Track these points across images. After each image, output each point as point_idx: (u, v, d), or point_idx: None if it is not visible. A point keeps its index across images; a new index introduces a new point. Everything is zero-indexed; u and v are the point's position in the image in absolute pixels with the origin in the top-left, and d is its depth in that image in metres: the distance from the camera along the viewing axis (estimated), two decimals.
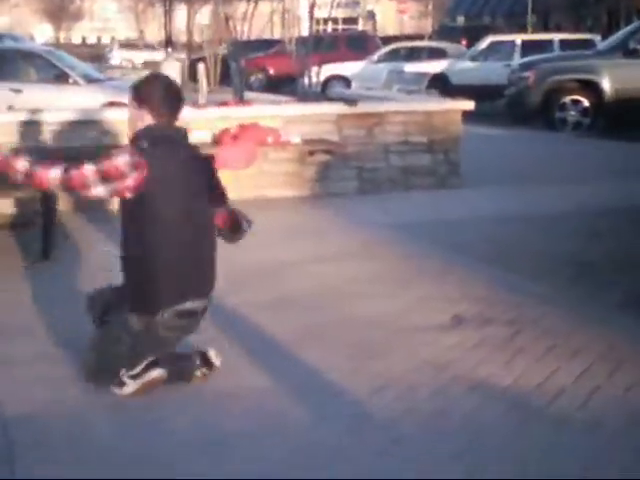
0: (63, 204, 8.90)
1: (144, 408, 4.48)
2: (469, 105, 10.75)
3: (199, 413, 4.44)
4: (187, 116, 9.96)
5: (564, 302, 6.20)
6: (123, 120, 9.51)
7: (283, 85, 26.45)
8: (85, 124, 9.53)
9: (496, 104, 20.06)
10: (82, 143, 9.34)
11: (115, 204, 8.14)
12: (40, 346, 5.34)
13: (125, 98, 5.18)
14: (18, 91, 14.76)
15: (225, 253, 6.79)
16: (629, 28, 19.39)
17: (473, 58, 24.31)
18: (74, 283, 6.70)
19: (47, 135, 9.34)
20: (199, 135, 9.78)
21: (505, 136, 16.58)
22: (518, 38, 25.03)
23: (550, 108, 17.31)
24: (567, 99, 17.23)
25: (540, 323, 5.71)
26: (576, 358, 5.10)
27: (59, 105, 12.74)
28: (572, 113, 17.25)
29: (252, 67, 30.19)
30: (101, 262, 7.25)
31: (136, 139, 4.62)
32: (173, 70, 27.23)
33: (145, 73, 5.93)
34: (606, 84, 16.94)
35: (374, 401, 4.55)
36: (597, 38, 23.77)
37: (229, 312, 5.92)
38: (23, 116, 9.56)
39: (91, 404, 4.53)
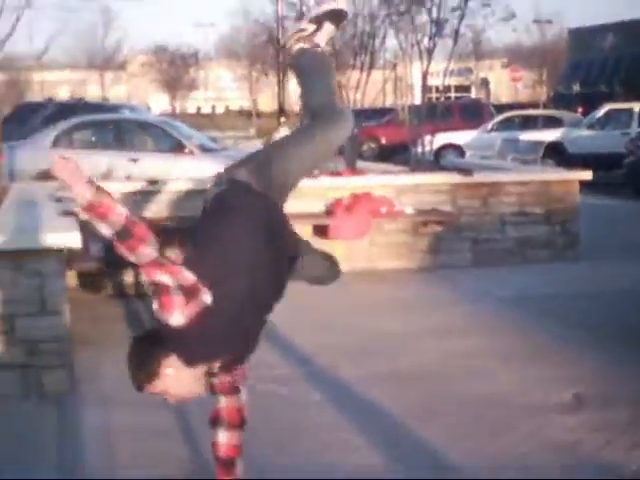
0: None
1: None
2: (587, 175, 10.52)
3: None
4: (299, 185, 10.04)
5: None
6: None
7: (396, 154, 26.44)
8: (200, 193, 9.58)
9: (614, 173, 19.70)
10: (196, 213, 9.40)
11: None
12: None
13: None
14: (135, 160, 15.03)
15: (339, 322, 6.69)
16: None
17: (590, 126, 23.96)
18: None
19: (163, 205, 9.42)
20: (311, 205, 9.79)
21: (624, 207, 16.20)
22: (636, 106, 24.61)
23: None
24: None
25: None
26: None
27: (175, 174, 12.91)
28: None
29: (364, 136, 30.35)
30: None
31: None
32: None
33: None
34: None
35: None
36: None
37: (345, 385, 5.82)
38: (140, 185, 9.69)
39: None
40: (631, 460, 4.64)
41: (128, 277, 8.79)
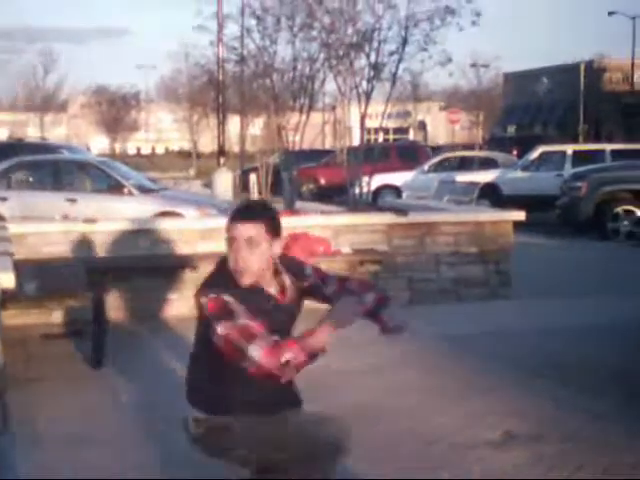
0: (114, 313, 8.95)
1: None
2: (520, 215, 10.71)
3: None
4: None
5: (618, 418, 6.04)
6: (174, 229, 9.71)
7: (334, 195, 26.67)
8: (138, 233, 9.61)
9: (548, 214, 20.03)
10: (134, 253, 9.42)
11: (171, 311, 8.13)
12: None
13: (178, 207, 5.06)
14: (73, 201, 15.00)
15: None
16: None
17: (524, 168, 24.35)
18: (123, 392, 6.68)
19: (101, 245, 9.42)
20: None
21: (557, 246, 16.48)
22: (569, 148, 25.07)
23: (603, 218, 17.26)
24: (620, 209, 17.19)
25: (595, 440, 5.56)
26: (635, 476, 4.95)
27: (113, 215, 12.92)
28: (625, 223, 17.19)
29: (303, 177, 30.48)
30: (152, 372, 7.26)
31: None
32: (226, 180, 27.65)
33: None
34: None
35: None
36: None
37: None
38: (77, 226, 9.68)
39: None
40: None
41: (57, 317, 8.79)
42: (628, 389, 6.72)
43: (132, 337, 8.62)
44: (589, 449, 5.39)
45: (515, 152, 32.02)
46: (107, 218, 11.09)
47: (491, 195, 22.62)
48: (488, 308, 9.84)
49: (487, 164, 26.91)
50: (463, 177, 24.23)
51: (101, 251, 9.41)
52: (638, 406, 6.32)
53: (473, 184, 23.39)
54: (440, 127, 73.53)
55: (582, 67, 52.90)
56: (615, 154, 23.14)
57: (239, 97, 34.62)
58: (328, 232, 10.05)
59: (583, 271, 12.69)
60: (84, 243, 9.38)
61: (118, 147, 71.75)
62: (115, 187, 15.67)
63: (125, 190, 15.65)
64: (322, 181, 31.67)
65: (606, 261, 14.04)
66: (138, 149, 78.87)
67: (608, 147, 24.81)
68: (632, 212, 17.15)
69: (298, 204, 21.28)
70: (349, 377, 7.04)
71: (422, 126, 74.49)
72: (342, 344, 8.18)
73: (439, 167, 27.49)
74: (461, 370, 7.33)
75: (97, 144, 71.81)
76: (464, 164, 27.69)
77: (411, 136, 68.83)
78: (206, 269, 9.44)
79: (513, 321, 9.21)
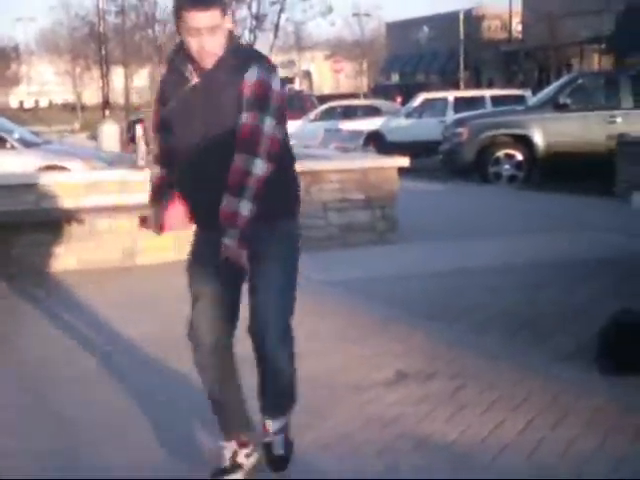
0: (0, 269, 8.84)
1: None
2: (404, 162, 10.86)
3: None
4: (125, 177, 10.03)
5: (505, 355, 6.24)
6: (60, 183, 9.60)
7: None
8: (22, 188, 9.46)
9: (432, 160, 20.34)
10: (19, 207, 9.29)
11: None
12: None
13: (63, 161, 5.03)
14: None
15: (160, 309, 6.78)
16: (559, 83, 19.85)
17: (407, 115, 24.64)
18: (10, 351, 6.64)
19: None
20: (138, 197, 9.79)
21: (441, 191, 16.77)
22: (450, 95, 25.44)
23: (484, 162, 17.60)
24: (501, 153, 17.55)
25: (483, 376, 5.73)
26: (519, 411, 5.13)
27: None
28: (506, 167, 17.56)
29: None
30: (38, 329, 7.23)
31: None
32: (112, 132, 27.28)
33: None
34: (537, 138, 17.29)
35: (321, 460, 4.54)
36: (528, 93, 24.22)
37: (171, 375, 5.89)
38: None
39: None
40: (450, 429, 4.89)
41: None
42: (514, 326, 6.93)
43: (20, 294, 8.53)
44: (477, 386, 5.56)
45: (399, 100, 32.31)
46: None
47: (376, 142, 22.85)
48: (376, 253, 9.98)
49: (371, 112, 27.12)
50: (348, 125, 24.40)
51: None
52: (522, 342, 6.52)
53: (358, 132, 23.58)
54: (325, 76, 73.56)
55: (461, 16, 53.35)
56: (495, 100, 23.61)
57: (122, 49, 34.12)
58: None
59: (468, 215, 12.93)
60: None
61: None
62: None
63: (7, 144, 15.35)
64: None
65: (490, 204, 14.34)
66: (21, 102, 77.06)
67: (488, 93, 25.30)
68: (513, 156, 17.51)
69: None
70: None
71: (307, 75, 74.41)
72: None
73: (325, 116, 27.59)
74: (352, 314, 7.44)
75: None
76: (349, 112, 27.86)
77: (297, 86, 68.74)
78: (92, 222, 9.44)
79: (401, 265, 9.36)
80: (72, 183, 9.80)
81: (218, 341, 4.14)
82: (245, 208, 3.82)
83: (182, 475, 4.41)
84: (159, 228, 4.21)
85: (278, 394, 4.25)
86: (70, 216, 9.37)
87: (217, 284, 4.05)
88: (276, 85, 3.90)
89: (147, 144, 21.30)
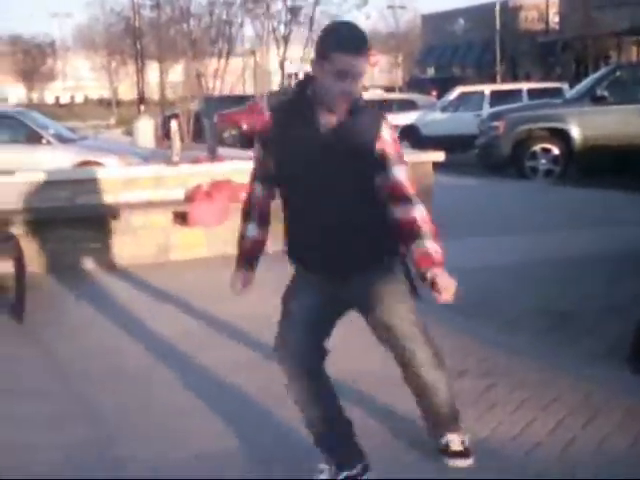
0: (36, 266, 8.92)
1: None
2: (440, 156, 10.83)
3: None
4: (160, 173, 10.09)
5: (538, 353, 6.22)
6: (96, 179, 9.66)
7: None
8: (57, 184, 9.54)
9: (467, 154, 20.26)
10: (54, 204, 9.36)
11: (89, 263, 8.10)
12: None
13: (98, 156, 5.02)
14: None
15: (202, 308, 6.80)
16: (596, 75, 19.65)
17: (443, 109, 24.58)
18: (46, 345, 6.70)
19: (19, 196, 9.33)
20: (172, 192, 9.86)
21: (477, 186, 16.70)
22: (487, 88, 25.33)
23: (520, 157, 17.47)
24: (537, 147, 17.41)
25: (514, 375, 5.72)
26: (550, 410, 5.11)
27: (32, 166, 12.78)
28: (543, 161, 17.43)
29: (226, 123, 30.36)
30: (75, 323, 7.28)
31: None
32: (147, 128, 27.43)
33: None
34: (575, 132, 17.13)
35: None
36: (565, 86, 24.07)
37: (208, 369, 5.92)
38: None
39: None
40: (480, 428, 4.87)
41: None
42: (548, 324, 6.90)
43: (56, 289, 8.60)
44: (508, 384, 5.54)
45: (434, 93, 32.22)
46: (26, 169, 10.98)
47: (411, 137, 22.79)
48: None
49: (407, 106, 27.05)
50: None
51: (21, 203, 9.33)
52: (553, 340, 6.50)
53: (393, 126, 23.53)
54: None
55: (498, 6, 53.08)
56: (532, 93, 23.46)
57: (157, 43, 34.25)
58: None
59: (504, 210, 12.89)
60: (4, 194, 9.29)
61: (35, 97, 70.60)
62: (33, 137, 15.49)
63: (43, 140, 15.47)
64: (245, 126, 31.53)
65: (526, 199, 14.27)
66: (57, 98, 77.63)
67: (525, 86, 25.15)
68: (549, 150, 17.39)
69: (220, 150, 21.22)
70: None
71: None
72: (272, 291, 8.29)
73: None
74: None
75: (14, 94, 70.52)
76: (384, 106, 27.80)
77: None
78: (128, 218, 9.52)
79: None
80: (107, 179, 9.86)
81: (310, 361, 4.14)
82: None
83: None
84: (243, 288, 4.27)
85: (446, 409, 4.44)
86: (105, 212, 9.43)
87: (317, 315, 4.12)
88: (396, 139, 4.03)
89: (182, 139, 21.41)
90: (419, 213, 3.89)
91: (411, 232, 3.88)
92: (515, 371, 5.80)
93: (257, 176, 4.11)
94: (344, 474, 4.12)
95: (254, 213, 4.21)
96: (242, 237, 4.27)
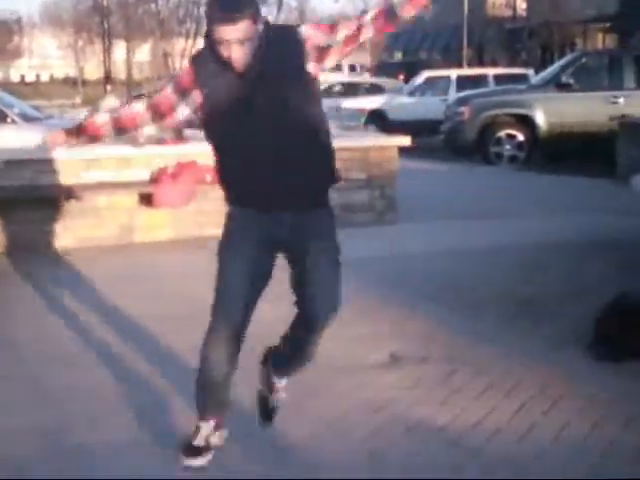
0: None
1: None
2: (405, 141, 10.82)
3: None
4: (125, 154, 10.02)
5: (500, 339, 6.24)
6: (59, 159, 9.57)
7: None
8: (19, 163, 9.44)
9: (433, 139, 20.29)
10: (16, 183, 9.27)
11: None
12: None
13: None
14: None
15: (168, 291, 6.79)
16: (561, 62, 19.73)
17: (410, 93, 24.57)
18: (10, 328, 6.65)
19: None
20: (137, 173, 9.80)
21: (442, 170, 16.75)
22: (453, 73, 25.36)
23: (486, 142, 17.53)
24: (502, 133, 17.47)
25: (477, 361, 5.74)
26: (512, 396, 5.14)
27: None
28: (507, 147, 17.50)
29: None
30: (32, 306, 7.23)
31: None
32: (114, 107, 27.18)
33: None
34: (539, 118, 17.21)
35: (311, 443, 4.54)
36: (531, 72, 24.14)
37: (172, 354, 5.90)
38: None
39: None
40: (442, 413, 4.90)
41: None
42: (511, 310, 6.93)
43: (13, 271, 8.53)
44: (470, 370, 5.57)
45: (402, 77, 32.21)
46: None
47: (378, 121, 22.78)
48: (375, 233, 9.97)
49: (374, 90, 27.04)
50: (350, 103, 24.31)
51: None
52: (518, 326, 6.52)
53: (360, 110, 23.51)
54: None
55: None
56: (498, 79, 23.52)
57: (124, 23, 34.04)
58: None
59: (467, 195, 12.91)
60: None
61: (0, 75, 69.90)
62: None
63: (8, 119, 15.31)
64: None
65: (491, 185, 14.32)
66: (22, 76, 76.90)
67: (491, 72, 25.21)
68: (514, 136, 17.45)
69: (186, 132, 21.07)
70: None
71: None
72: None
73: (326, 94, 27.49)
74: (347, 295, 7.40)
75: None
76: (351, 90, 27.78)
77: None
78: (92, 199, 9.43)
79: (399, 245, 9.36)
80: (71, 159, 9.76)
81: (243, 322, 4.16)
82: None
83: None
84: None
85: (299, 364, 4.43)
86: (68, 192, 9.35)
87: (256, 267, 4.11)
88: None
89: None
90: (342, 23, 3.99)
91: (357, 24, 3.98)
92: (478, 357, 5.82)
93: (175, 84, 4.06)
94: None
95: (150, 101, 4.15)
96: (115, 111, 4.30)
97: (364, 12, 4.04)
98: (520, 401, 5.05)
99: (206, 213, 9.80)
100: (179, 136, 11.64)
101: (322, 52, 3.92)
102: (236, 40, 3.74)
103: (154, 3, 30.01)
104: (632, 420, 4.78)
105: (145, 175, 9.84)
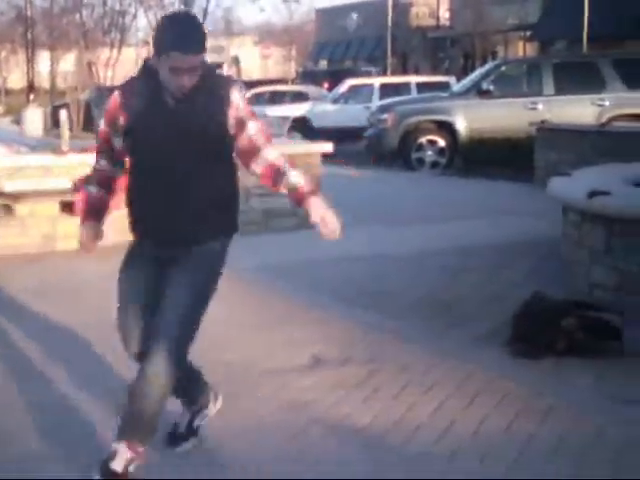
0: None
1: None
2: (328, 147, 10.91)
3: None
4: (48, 162, 9.95)
5: (421, 339, 6.34)
6: None
7: None
8: None
9: (357, 145, 20.44)
10: None
11: None
12: None
13: None
14: None
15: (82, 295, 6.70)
16: (482, 70, 20.04)
17: (334, 101, 24.74)
18: None
19: None
20: (59, 182, 9.74)
21: (365, 177, 16.86)
22: (376, 81, 25.59)
23: (408, 148, 17.74)
24: (424, 139, 17.70)
25: (397, 360, 5.82)
26: (432, 393, 5.23)
27: None
28: (429, 153, 17.73)
29: None
30: None
31: None
32: (36, 116, 26.94)
33: None
34: (460, 124, 17.48)
35: (232, 445, 4.58)
36: (452, 80, 24.45)
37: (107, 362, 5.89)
38: None
39: None
40: (363, 413, 4.96)
41: None
42: (432, 311, 7.04)
43: None
44: (391, 370, 5.65)
45: (326, 86, 32.39)
46: None
47: (302, 128, 22.89)
48: (297, 238, 9.97)
49: (299, 98, 27.16)
50: (274, 111, 24.40)
51: None
52: (438, 326, 6.63)
53: (284, 117, 23.61)
54: (254, 62, 73.31)
55: (390, 2, 53.51)
56: (420, 86, 23.81)
57: (49, 33, 33.71)
58: None
59: (392, 201, 13.04)
60: None
61: None
62: None
63: None
64: None
65: (413, 190, 14.48)
66: None
67: (413, 80, 25.50)
68: (435, 142, 17.67)
69: None
70: None
71: (236, 61, 74.12)
72: None
73: (251, 101, 27.53)
74: (270, 300, 7.49)
75: None
76: (276, 98, 27.87)
77: (225, 71, 68.40)
78: (14, 207, 9.31)
79: (322, 250, 9.38)
80: None
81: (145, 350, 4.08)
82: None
83: None
84: (90, 248, 4.33)
85: (141, 415, 4.05)
86: None
87: (151, 296, 4.11)
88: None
89: (71, 129, 21.07)
90: (273, 155, 4.07)
91: (275, 176, 4.07)
92: (399, 356, 5.91)
93: (101, 151, 4.22)
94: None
95: (93, 179, 4.29)
96: (85, 195, 4.35)
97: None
98: (440, 398, 5.14)
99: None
100: None
101: (240, 126, 3.99)
102: (192, 69, 3.81)
103: (78, 13, 29.77)
104: (548, 413, 4.90)
105: (67, 184, 9.79)
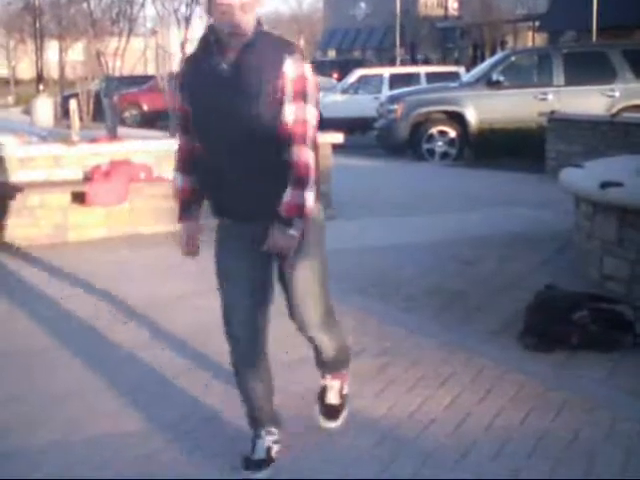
0: None
1: None
2: (338, 138, 10.89)
3: None
4: (58, 152, 9.97)
5: (434, 331, 6.34)
6: None
7: (157, 121, 26.34)
8: None
9: (367, 136, 20.40)
10: None
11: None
12: None
13: None
14: None
15: (105, 288, 6.78)
16: (492, 60, 20.00)
17: (343, 91, 24.69)
18: None
19: None
20: (70, 172, 9.77)
21: (375, 167, 16.87)
22: (386, 71, 25.54)
23: (418, 139, 17.72)
24: (434, 130, 17.68)
25: (411, 353, 5.82)
26: (446, 387, 5.23)
27: None
28: (439, 144, 17.71)
29: (126, 103, 30.06)
30: None
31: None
32: (46, 107, 26.95)
33: None
34: (470, 115, 17.46)
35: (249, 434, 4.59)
36: (462, 70, 24.40)
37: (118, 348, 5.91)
38: None
39: None
40: (377, 405, 4.95)
41: None
42: (445, 302, 7.04)
43: None
44: (404, 362, 5.64)
45: (335, 76, 32.35)
46: None
47: None
48: None
49: None
50: None
51: None
52: (450, 318, 6.63)
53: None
54: None
55: None
56: (430, 77, 23.74)
57: (57, 22, 33.70)
58: (150, 158, 10.03)
59: (401, 192, 13.03)
60: None
61: None
62: None
63: None
64: (145, 107, 31.32)
65: (424, 181, 14.47)
66: None
67: (423, 70, 25.43)
68: (446, 132, 17.66)
69: (120, 130, 21.00)
70: (174, 302, 7.12)
71: None
72: (166, 271, 8.24)
73: None
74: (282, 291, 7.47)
75: None
76: None
77: None
78: (26, 198, 9.38)
79: (334, 241, 9.38)
80: (4, 158, 9.71)
81: (255, 334, 4.22)
82: (311, 199, 3.88)
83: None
84: (191, 250, 4.27)
85: (329, 360, 4.56)
86: (1, 191, 9.30)
87: (251, 274, 4.10)
88: (310, 74, 3.91)
89: (81, 119, 21.11)
90: (307, 157, 3.85)
91: (297, 176, 3.86)
92: (412, 349, 5.90)
93: (180, 127, 4.16)
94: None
95: (180, 163, 4.19)
96: (175, 188, 4.27)
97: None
98: (454, 391, 5.13)
99: (139, 210, 9.80)
100: (113, 135, 11.63)
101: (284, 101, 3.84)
102: (239, 6, 3.73)
103: (87, 3, 29.76)
104: (563, 407, 4.90)
105: (78, 174, 9.81)
